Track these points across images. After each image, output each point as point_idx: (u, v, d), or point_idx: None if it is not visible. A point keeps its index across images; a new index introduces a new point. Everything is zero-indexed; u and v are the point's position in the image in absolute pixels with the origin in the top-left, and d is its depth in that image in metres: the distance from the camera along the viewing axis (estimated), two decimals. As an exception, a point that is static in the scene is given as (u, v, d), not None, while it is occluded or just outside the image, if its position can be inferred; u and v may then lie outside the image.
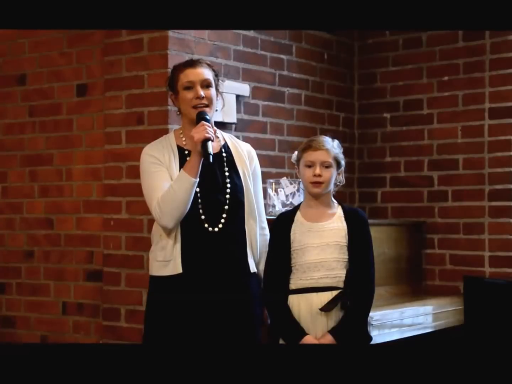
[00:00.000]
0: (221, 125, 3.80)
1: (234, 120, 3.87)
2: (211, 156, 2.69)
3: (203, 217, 2.77)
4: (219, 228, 2.78)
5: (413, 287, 4.30)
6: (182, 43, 3.67)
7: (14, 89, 4.18)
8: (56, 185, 4.03)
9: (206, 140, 2.70)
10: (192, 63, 2.86)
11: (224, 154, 2.88)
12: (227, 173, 2.84)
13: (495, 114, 4.23)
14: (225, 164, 2.86)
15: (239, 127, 3.94)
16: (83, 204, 3.94)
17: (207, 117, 2.78)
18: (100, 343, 3.78)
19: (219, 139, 2.90)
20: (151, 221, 3.06)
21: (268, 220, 3.02)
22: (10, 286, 4.17)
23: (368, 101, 4.66)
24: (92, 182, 3.91)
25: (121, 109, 3.75)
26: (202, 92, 2.80)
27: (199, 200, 2.78)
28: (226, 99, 3.77)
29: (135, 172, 3.48)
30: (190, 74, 2.81)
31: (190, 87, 2.81)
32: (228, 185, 2.82)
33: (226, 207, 2.80)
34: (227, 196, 2.81)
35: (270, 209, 3.67)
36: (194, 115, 2.81)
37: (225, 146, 2.91)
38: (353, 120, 4.69)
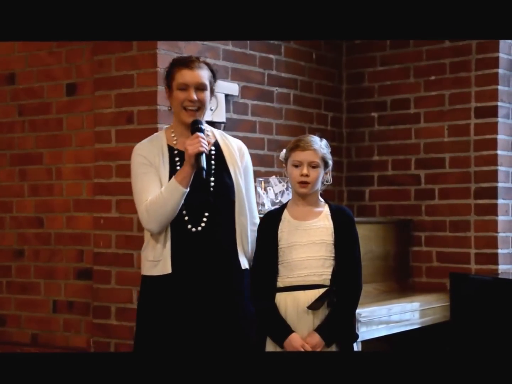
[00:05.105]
0: (211, 125, 3.79)
1: (223, 120, 3.89)
2: (204, 172, 2.67)
3: (186, 218, 2.74)
4: (205, 224, 2.75)
5: (401, 284, 4.34)
6: (171, 42, 3.69)
7: (3, 88, 4.18)
8: (46, 184, 4.04)
9: (200, 154, 2.68)
10: (189, 64, 2.77)
11: (213, 152, 2.85)
12: (213, 171, 2.80)
13: (481, 113, 4.27)
14: (212, 162, 2.82)
15: (228, 127, 3.96)
16: (73, 203, 3.95)
17: (202, 127, 2.75)
18: (91, 349, 3.80)
19: (209, 137, 2.86)
20: (141, 220, 3.07)
21: (257, 218, 3.04)
22: (1, 284, 4.17)
23: (356, 101, 4.69)
24: (82, 181, 3.92)
25: (110, 108, 3.77)
26: (195, 96, 2.76)
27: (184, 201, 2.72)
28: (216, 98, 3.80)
29: (125, 171, 3.50)
30: (186, 76, 2.76)
31: (184, 88, 2.76)
32: (212, 184, 2.78)
33: (210, 206, 2.76)
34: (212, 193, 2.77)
35: (260, 207, 3.70)
36: (183, 117, 2.78)
37: (216, 144, 2.88)
38: (341, 119, 4.73)
